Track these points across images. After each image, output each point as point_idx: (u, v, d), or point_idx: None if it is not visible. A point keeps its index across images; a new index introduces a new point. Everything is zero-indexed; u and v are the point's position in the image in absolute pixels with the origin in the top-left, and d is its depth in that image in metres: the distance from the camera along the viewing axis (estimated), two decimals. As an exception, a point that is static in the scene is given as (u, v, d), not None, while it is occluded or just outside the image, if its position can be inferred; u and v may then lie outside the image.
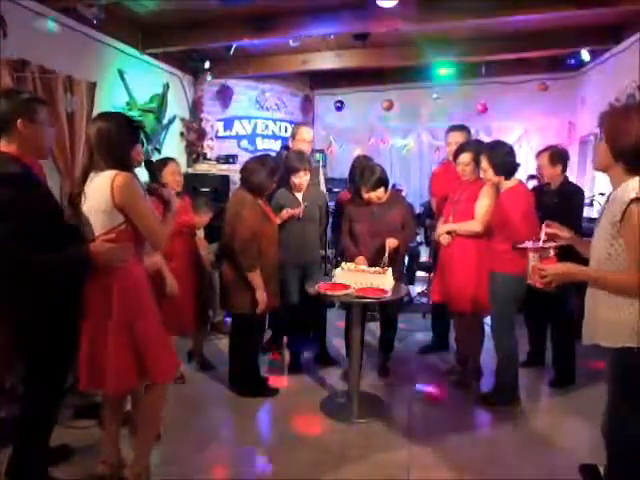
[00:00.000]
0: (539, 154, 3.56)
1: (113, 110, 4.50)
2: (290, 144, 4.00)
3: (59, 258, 1.92)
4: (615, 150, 1.74)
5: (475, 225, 3.18)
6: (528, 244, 2.10)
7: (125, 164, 2.01)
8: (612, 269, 1.75)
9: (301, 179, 3.45)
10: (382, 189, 3.34)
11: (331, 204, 4.13)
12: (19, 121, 1.94)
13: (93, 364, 1.99)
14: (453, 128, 3.83)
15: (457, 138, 3.67)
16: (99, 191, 1.95)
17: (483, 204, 3.17)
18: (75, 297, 2.03)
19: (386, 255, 3.26)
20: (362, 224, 3.44)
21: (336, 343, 4.12)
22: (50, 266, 1.92)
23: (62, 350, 2.09)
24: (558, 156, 3.39)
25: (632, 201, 1.65)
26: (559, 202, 3.31)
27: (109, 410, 2.28)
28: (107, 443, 2.27)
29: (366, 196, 3.35)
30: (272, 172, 3.14)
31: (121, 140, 2.02)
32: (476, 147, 3.26)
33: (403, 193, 5.60)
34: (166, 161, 3.29)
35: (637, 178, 1.70)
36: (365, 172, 3.36)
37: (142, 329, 2.01)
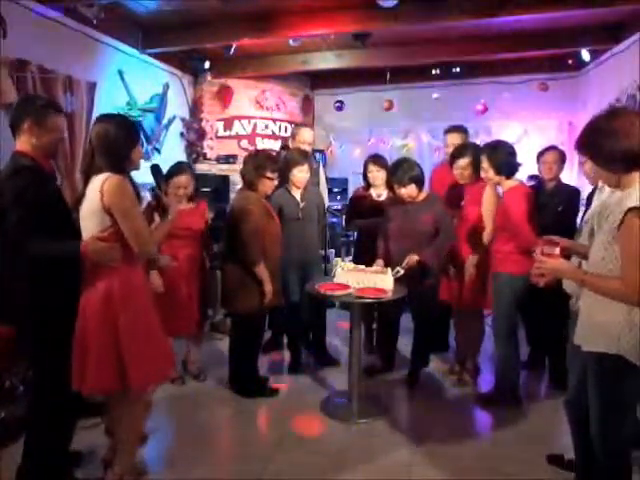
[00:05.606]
0: (546, 152, 3.49)
1: (113, 110, 4.50)
2: (290, 144, 4.00)
3: (53, 249, 2.02)
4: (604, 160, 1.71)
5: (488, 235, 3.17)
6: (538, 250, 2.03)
7: (121, 167, 2.02)
8: (604, 272, 1.72)
9: (303, 173, 3.43)
10: (413, 186, 3.22)
11: (332, 204, 4.13)
12: (27, 123, 2.07)
13: (81, 364, 1.99)
14: (451, 129, 3.81)
15: (455, 139, 3.65)
16: (92, 193, 1.98)
17: (489, 210, 3.15)
18: (71, 297, 2.03)
19: (402, 265, 3.14)
20: (393, 222, 3.35)
21: (336, 343, 4.12)
22: (43, 254, 2.01)
23: (61, 348, 2.05)
24: (565, 156, 3.44)
25: (629, 210, 1.60)
26: (558, 202, 3.31)
27: (114, 417, 2.24)
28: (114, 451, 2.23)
29: (398, 192, 3.27)
30: (259, 166, 3.12)
31: (119, 142, 2.02)
32: (473, 150, 3.25)
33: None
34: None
35: None
36: (403, 165, 3.25)
37: (127, 331, 1.98)
